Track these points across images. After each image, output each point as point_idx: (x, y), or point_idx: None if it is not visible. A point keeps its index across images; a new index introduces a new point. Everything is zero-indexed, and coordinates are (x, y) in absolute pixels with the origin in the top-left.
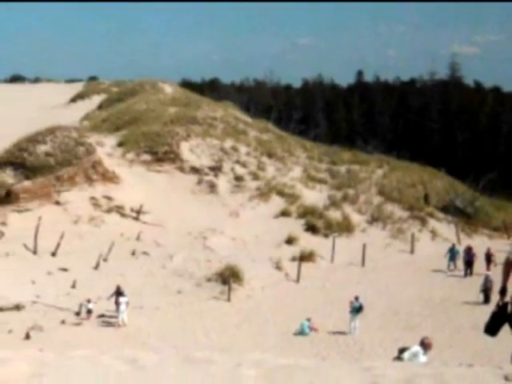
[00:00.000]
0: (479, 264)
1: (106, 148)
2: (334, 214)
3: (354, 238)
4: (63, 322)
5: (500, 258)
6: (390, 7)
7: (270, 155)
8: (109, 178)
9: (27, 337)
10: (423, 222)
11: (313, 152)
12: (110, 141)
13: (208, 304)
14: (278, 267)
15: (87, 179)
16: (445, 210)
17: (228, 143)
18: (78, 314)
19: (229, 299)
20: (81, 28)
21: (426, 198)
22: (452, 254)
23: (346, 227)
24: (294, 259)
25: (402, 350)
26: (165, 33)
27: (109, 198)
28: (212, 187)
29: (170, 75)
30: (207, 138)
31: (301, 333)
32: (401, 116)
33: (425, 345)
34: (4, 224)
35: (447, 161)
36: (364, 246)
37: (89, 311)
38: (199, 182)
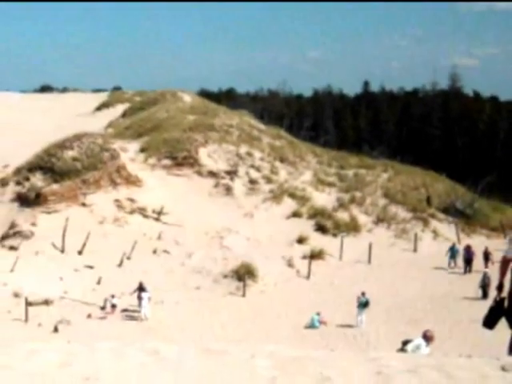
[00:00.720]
0: (478, 262)
1: (129, 153)
2: (342, 215)
3: (360, 237)
4: (89, 316)
5: (497, 256)
6: (393, 22)
7: (282, 160)
8: (132, 181)
9: (55, 330)
10: (425, 222)
11: (322, 157)
12: (133, 147)
13: (224, 299)
14: (290, 265)
15: (111, 182)
16: (446, 211)
17: (243, 149)
18: (103, 308)
19: (244, 295)
20: (106, 41)
21: (428, 200)
22: (452, 252)
23: (353, 227)
24: (304, 257)
25: (405, 342)
26: (184, 46)
27: (132, 200)
28: (228, 190)
29: (189, 85)
30: (224, 144)
31: (311, 326)
32: (404, 123)
33: (427, 337)
34: (34, 224)
35: (448, 165)
36: (370, 245)
37: (113, 306)
38: (216, 185)
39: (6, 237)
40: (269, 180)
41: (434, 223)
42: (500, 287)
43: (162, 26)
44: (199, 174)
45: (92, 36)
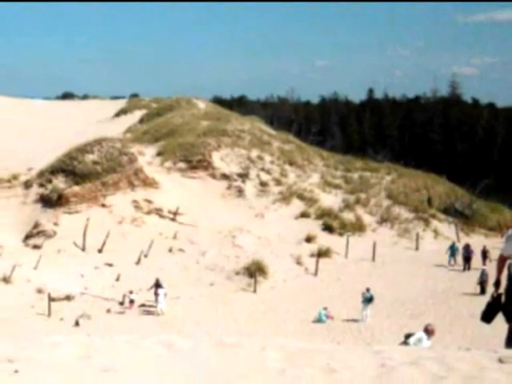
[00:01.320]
0: (476, 260)
1: (146, 157)
2: (348, 216)
3: (365, 236)
4: (108, 310)
5: (494, 254)
6: (396, 33)
7: (291, 163)
8: (149, 183)
9: (76, 324)
10: (427, 222)
11: (329, 161)
12: (150, 151)
13: (236, 295)
14: (299, 262)
15: (130, 185)
16: (446, 211)
17: (254, 153)
18: (121, 303)
19: (255, 290)
20: (124, 51)
21: (429, 201)
22: (452, 250)
23: (358, 227)
24: (312, 255)
25: (407, 336)
26: (198, 55)
27: (149, 202)
28: (240, 192)
29: (203, 93)
30: (236, 148)
31: (318, 320)
32: (407, 129)
33: (428, 331)
34: (56, 224)
35: (448, 168)
36: (374, 244)
37: (131, 301)
38: (229, 187)
39: (29, 236)
40: (278, 182)
41: (434, 223)
42: (497, 284)
43: (177, 36)
44: (213, 176)
45: (111, 46)
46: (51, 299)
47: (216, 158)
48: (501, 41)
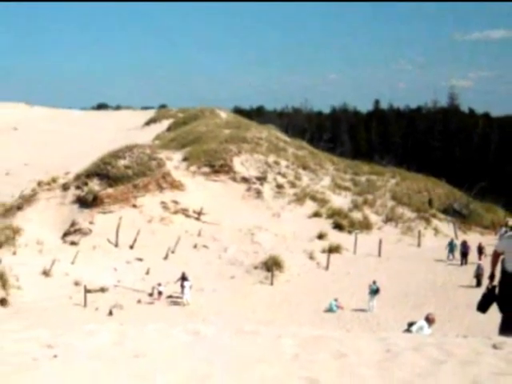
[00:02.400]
0: (472, 255)
1: (173, 162)
2: (356, 215)
3: (372, 234)
4: (139, 301)
5: (489, 250)
6: (400, 50)
7: (304, 168)
8: (176, 186)
9: (110, 313)
10: (428, 221)
11: (339, 165)
12: (177, 156)
13: (255, 287)
14: (311, 257)
15: (158, 187)
16: (445, 211)
17: (271, 158)
18: (150, 295)
19: (272, 283)
20: (154, 65)
21: (430, 202)
22: (451, 247)
23: (365, 225)
24: (323, 251)
25: (410, 324)
26: (220, 69)
27: (176, 202)
28: (258, 193)
29: (225, 103)
30: (254, 154)
31: (329, 310)
32: (410, 136)
33: (429, 320)
34: (92, 223)
35: (447, 172)
36: (380, 241)
37: (159, 293)
38: (248, 190)
39: (67, 234)
40: (293, 185)
41: (435, 222)
42: (492, 277)
43: (202, 52)
44: (233, 179)
45: (142, 61)
46: (87, 291)
47: (237, 163)
48: (495, 57)
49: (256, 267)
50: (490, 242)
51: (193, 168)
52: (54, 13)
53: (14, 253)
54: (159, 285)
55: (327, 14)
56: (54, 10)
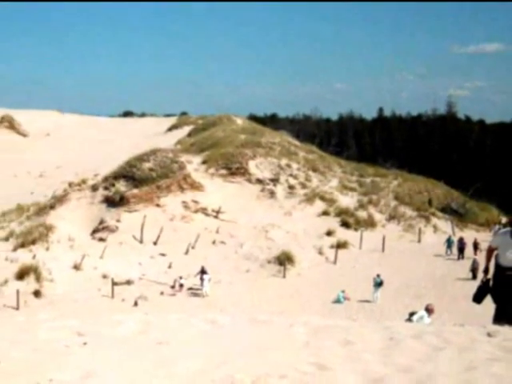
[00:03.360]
0: (468, 251)
1: (193, 165)
2: (362, 214)
3: (376, 231)
4: (162, 293)
5: (484, 246)
6: (402, 61)
7: (314, 170)
8: (195, 187)
9: (135, 304)
10: (427, 219)
11: (346, 168)
12: (197, 159)
13: (268, 280)
14: (320, 253)
15: (180, 188)
16: (443, 210)
17: (283, 161)
18: (172, 287)
19: (284, 276)
20: (176, 76)
21: (430, 202)
22: (449, 243)
23: (370, 223)
24: (332, 247)
25: (411, 314)
26: (237, 80)
27: (196, 202)
28: (271, 194)
29: (241, 111)
30: (268, 158)
31: (337, 301)
32: (411, 141)
33: (429, 310)
34: (118, 221)
35: (445, 174)
36: (383, 237)
37: (181, 285)
38: (262, 190)
39: (96, 231)
40: (304, 186)
41: (434, 220)
42: (486, 270)
43: (220, 63)
44: (249, 181)
45: (165, 72)
46: (114, 283)
47: (252, 166)
48: (489, 68)
49: (269, 262)
50: (485, 238)
51: (211, 170)
52: (83, 27)
53: (47, 248)
54: (180, 278)
55: (334, 30)
56: (85, 24)
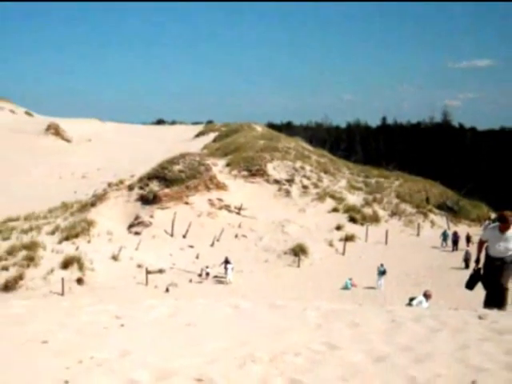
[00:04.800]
0: (462, 243)
1: (218, 167)
2: (367, 210)
3: (380, 226)
4: (190, 280)
5: (475, 239)
6: (403, 75)
7: (325, 172)
8: (220, 186)
9: (167, 290)
10: (425, 215)
11: (353, 170)
12: (221, 162)
13: (284, 269)
14: (331, 245)
15: (206, 187)
16: (439, 207)
17: (298, 164)
18: (200, 275)
19: (298, 266)
20: (202, 87)
21: (427, 200)
22: (444, 236)
23: (374, 219)
24: (341, 240)
25: (411, 299)
26: (256, 91)
27: (220, 200)
28: (287, 193)
29: (260, 119)
30: (284, 161)
31: (345, 288)
32: (411, 146)
33: (426, 296)
34: (152, 217)
35: (441, 175)
36: (386, 231)
37: (207, 274)
38: (279, 190)
39: (132, 225)
40: (316, 186)
41: (431, 216)
42: (477, 261)
43: (241, 77)
44: (267, 181)
45: (193, 84)
46: (148, 272)
47: (270, 168)
48: (480, 81)
49: (285, 253)
50: (476, 232)
51: (234, 172)
52: (121, 46)
53: (89, 241)
54: (207, 267)
55: (343, 47)
56: (122, 44)
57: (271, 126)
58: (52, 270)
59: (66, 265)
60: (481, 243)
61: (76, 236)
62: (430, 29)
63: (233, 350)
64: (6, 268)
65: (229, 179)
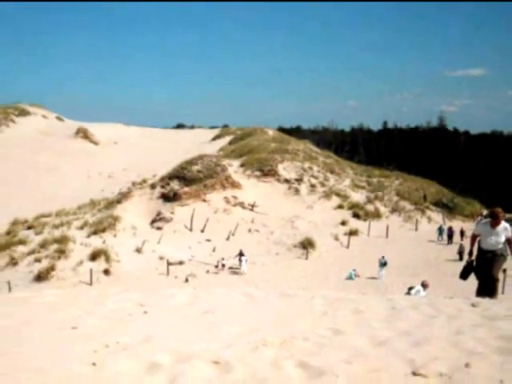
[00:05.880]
0: (456, 237)
1: (233, 167)
2: (369, 207)
3: (381, 221)
4: (207, 271)
5: (468, 233)
6: (403, 83)
7: (331, 172)
8: (235, 185)
9: (186, 280)
10: (423, 212)
11: (356, 170)
12: (236, 163)
13: (294, 261)
14: (336, 239)
15: (222, 186)
16: (436, 204)
17: (306, 164)
18: (216, 266)
19: (307, 258)
20: (219, 94)
21: (425, 198)
22: (440, 231)
23: (376, 215)
24: (345, 234)
25: (410, 288)
26: (268, 98)
27: (235, 198)
28: (296, 191)
29: (271, 124)
30: (294, 162)
31: (349, 278)
32: (410, 148)
33: (424, 285)
34: (172, 213)
35: (437, 175)
36: (387, 227)
37: (223, 265)
38: (289, 188)
39: (154, 221)
40: (322, 184)
41: (428, 212)
42: (470, 253)
43: (254, 86)
44: (278, 181)
45: (210, 91)
46: (169, 264)
47: (280, 168)
48: (473, 89)
49: (295, 246)
50: (469, 227)
51: (247, 172)
52: (144, 56)
53: (115, 235)
54: (222, 259)
55: (347, 58)
56: (144, 54)
57: (282, 129)
58: (81, 262)
59: (93, 257)
60: (473, 237)
61: (103, 230)
62: (428, 40)
63: (246, 335)
64: (38, 260)
65: (243, 179)
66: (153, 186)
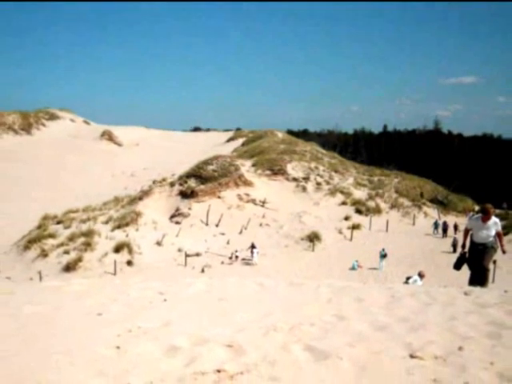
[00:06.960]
0: (450, 231)
1: (245, 167)
2: (371, 203)
3: (381, 216)
4: (222, 262)
5: (462, 227)
6: (401, 90)
7: (335, 171)
8: (247, 183)
9: (202, 271)
10: (420, 208)
11: (359, 169)
12: (248, 163)
13: (301, 253)
14: (340, 232)
15: (235, 184)
16: (432, 201)
17: (313, 164)
18: (230, 258)
19: (313, 250)
20: (233, 99)
21: (422, 195)
22: (435, 225)
23: (377, 210)
24: (348, 228)
25: (408, 278)
26: (278, 103)
27: (247, 195)
28: (304, 189)
29: (281, 127)
30: (301, 162)
31: (352, 268)
32: (408, 150)
33: (421, 275)
34: (190, 209)
35: (433, 174)
36: (387, 221)
37: (236, 256)
38: (297, 186)
39: (173, 216)
40: (328, 183)
41: (424, 208)
42: (463, 246)
43: (266, 91)
44: (287, 179)
45: (225, 96)
46: (186, 255)
47: (289, 168)
48: (466, 95)
49: (302, 239)
50: (462, 222)
51: (259, 171)
52: (162, 64)
53: (137, 229)
54: (236, 251)
55: (351, 66)
56: (162, 64)
57: (290, 132)
58: (106, 254)
59: (117, 249)
60: (466, 231)
61: (126, 225)
62: (424, 51)
63: (258, 320)
64: (67, 252)
65: (254, 177)
66: (172, 184)
